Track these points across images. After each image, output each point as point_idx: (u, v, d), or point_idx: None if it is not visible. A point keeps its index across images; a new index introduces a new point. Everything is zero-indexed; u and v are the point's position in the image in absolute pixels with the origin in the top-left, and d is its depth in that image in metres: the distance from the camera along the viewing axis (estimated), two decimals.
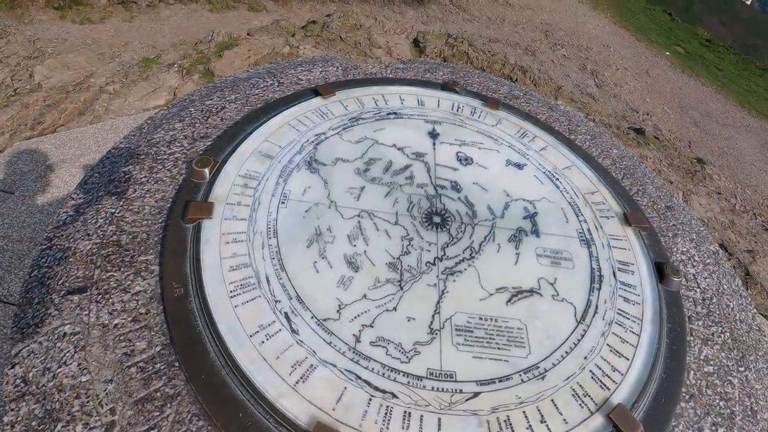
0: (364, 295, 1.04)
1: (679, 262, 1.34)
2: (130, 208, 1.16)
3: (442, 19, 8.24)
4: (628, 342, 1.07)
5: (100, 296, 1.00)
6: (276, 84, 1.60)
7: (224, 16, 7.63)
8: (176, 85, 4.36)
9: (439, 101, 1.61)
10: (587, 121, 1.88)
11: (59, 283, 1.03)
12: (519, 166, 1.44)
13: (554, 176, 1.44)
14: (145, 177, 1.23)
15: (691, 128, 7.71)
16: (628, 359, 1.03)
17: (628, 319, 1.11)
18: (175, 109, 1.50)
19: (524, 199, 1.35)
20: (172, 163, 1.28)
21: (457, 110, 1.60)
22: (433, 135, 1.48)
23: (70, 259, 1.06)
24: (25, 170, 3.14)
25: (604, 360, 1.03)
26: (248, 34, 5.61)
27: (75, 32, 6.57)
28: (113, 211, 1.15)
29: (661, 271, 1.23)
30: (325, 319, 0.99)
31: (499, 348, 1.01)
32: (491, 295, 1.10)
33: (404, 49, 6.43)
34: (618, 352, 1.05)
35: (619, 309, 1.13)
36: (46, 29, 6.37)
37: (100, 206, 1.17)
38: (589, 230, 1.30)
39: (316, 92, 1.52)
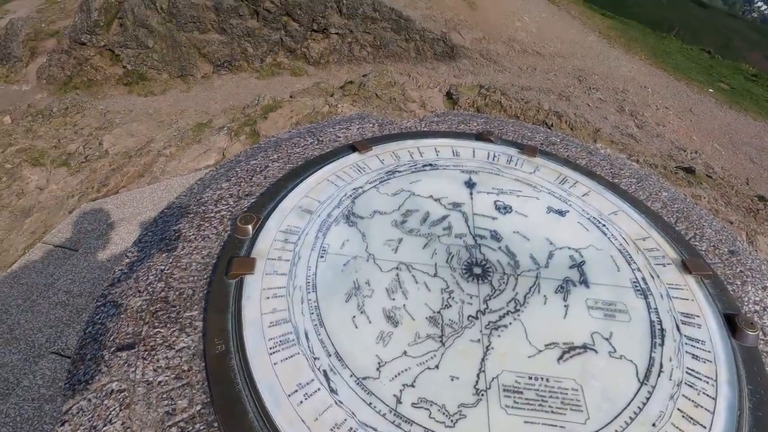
0: (404, 352, 1.00)
1: (752, 313, 1.21)
2: (179, 264, 1.21)
3: (474, 72, 8.49)
4: (702, 407, 0.95)
5: (147, 353, 1.02)
6: (316, 142, 1.67)
7: (269, 82, 8.25)
8: (225, 146, 4.67)
9: (474, 151, 1.62)
10: (630, 164, 1.82)
11: (110, 339, 1.06)
12: (561, 213, 1.40)
13: (600, 222, 1.37)
14: (193, 234, 1.29)
15: (747, 164, 7.27)
16: (705, 427, 0.91)
17: (700, 379, 1.00)
18: (222, 170, 1.59)
19: (569, 247, 1.28)
20: (219, 221, 1.34)
21: (493, 159, 1.59)
22: (470, 185, 1.47)
23: (122, 316, 1.10)
24: (89, 229, 3.40)
25: (676, 428, 0.91)
26: (291, 97, 5.99)
27: (140, 104, 7.30)
28: (163, 267, 1.20)
29: (732, 323, 1.11)
30: (364, 378, 0.95)
31: (552, 412, 0.92)
32: (540, 351, 1.03)
33: (438, 102, 6.63)
34: (692, 418, 0.93)
35: (687, 367, 1.02)
36: (116, 102, 7.12)
37: (151, 263, 1.22)
38: (644, 279, 1.21)
39: (353, 148, 1.58)
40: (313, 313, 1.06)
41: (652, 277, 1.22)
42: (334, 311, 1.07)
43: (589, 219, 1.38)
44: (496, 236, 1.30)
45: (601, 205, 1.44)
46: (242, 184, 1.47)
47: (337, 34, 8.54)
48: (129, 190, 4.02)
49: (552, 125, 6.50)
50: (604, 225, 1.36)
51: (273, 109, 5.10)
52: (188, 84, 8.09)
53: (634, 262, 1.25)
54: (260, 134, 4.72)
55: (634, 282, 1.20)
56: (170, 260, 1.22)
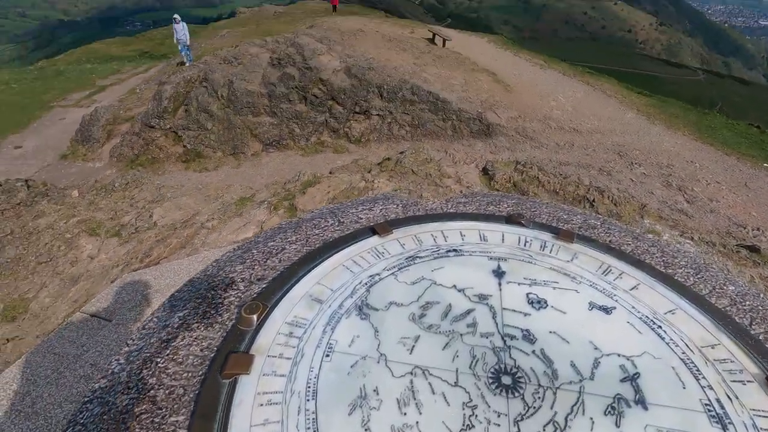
0: None
1: None
2: (175, 357, 1.10)
3: (510, 148, 8.53)
4: None
5: None
6: (336, 223, 1.61)
7: (313, 158, 8.66)
8: (264, 219, 4.77)
9: (503, 236, 1.48)
10: (685, 251, 1.60)
11: None
12: (606, 310, 1.20)
13: (655, 323, 1.16)
14: (197, 323, 1.20)
15: None
16: None
17: None
18: (240, 251, 1.54)
19: (619, 354, 1.07)
20: (225, 308, 1.25)
21: (525, 245, 1.44)
22: (499, 273, 1.31)
23: (105, 417, 0.99)
24: (125, 299, 3.44)
25: None
26: (330, 173, 6.19)
27: (194, 179, 7.80)
28: (158, 360, 1.10)
29: None
30: None
31: None
32: None
33: (473, 178, 6.61)
34: None
35: None
36: (172, 178, 7.65)
37: (148, 354, 1.13)
38: (719, 401, 0.96)
39: (373, 231, 1.49)
40: (309, 428, 0.90)
41: (730, 399, 0.97)
42: (334, 426, 0.91)
43: (641, 319, 1.17)
44: (528, 337, 1.11)
45: (655, 302, 1.23)
46: (256, 267, 1.40)
47: (377, 115, 9.00)
48: (169, 261, 4.12)
49: (594, 201, 6.24)
50: (660, 327, 1.15)
51: (312, 184, 5.25)
52: (239, 161, 8.64)
53: (703, 377, 1.01)
54: (297, 208, 4.81)
55: (706, 405, 0.96)
56: (168, 352, 1.12)
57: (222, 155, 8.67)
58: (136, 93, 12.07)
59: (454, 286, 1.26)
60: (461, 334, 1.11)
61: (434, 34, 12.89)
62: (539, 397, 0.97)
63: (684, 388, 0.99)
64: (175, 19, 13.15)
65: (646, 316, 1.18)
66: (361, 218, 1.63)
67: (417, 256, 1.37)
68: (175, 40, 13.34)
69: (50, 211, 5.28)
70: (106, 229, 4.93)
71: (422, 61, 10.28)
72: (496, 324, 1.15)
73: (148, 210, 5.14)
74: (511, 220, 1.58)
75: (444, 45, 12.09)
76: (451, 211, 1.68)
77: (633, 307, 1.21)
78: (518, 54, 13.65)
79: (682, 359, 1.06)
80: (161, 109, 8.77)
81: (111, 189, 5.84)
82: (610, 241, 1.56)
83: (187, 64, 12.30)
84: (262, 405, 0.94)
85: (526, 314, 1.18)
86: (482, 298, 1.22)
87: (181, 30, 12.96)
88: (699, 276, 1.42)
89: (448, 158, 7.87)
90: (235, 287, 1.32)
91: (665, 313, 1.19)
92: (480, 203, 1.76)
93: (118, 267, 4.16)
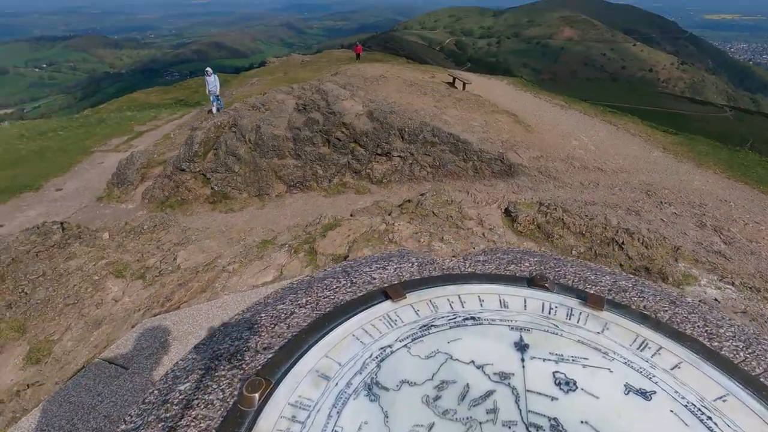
0: None
1: None
2: None
3: (533, 188, 8.39)
4: None
5: None
6: (349, 284, 1.54)
7: (335, 199, 8.73)
8: (284, 263, 4.76)
9: (525, 301, 1.37)
10: (730, 318, 1.44)
11: None
12: (645, 395, 1.06)
13: (703, 413, 1.01)
14: (197, 400, 1.13)
15: None
16: None
17: None
18: (248, 314, 1.48)
19: None
20: (228, 381, 1.17)
21: (549, 312, 1.33)
22: (521, 347, 1.20)
23: None
24: (144, 346, 3.41)
25: None
26: (351, 215, 6.19)
27: (219, 220, 7.95)
28: None
29: None
30: None
31: None
32: None
33: (496, 219, 6.48)
34: None
35: None
36: (199, 219, 7.82)
37: None
38: None
39: (386, 295, 1.41)
40: None
41: None
42: None
43: (686, 407, 1.03)
44: (557, 427, 0.99)
45: (701, 385, 1.08)
46: (263, 333, 1.33)
47: (399, 156, 9.09)
48: (189, 305, 4.11)
49: (623, 243, 5.98)
50: (710, 418, 1.00)
51: (332, 227, 5.24)
52: (263, 202, 8.80)
53: None
54: (317, 252, 4.78)
55: None
56: None
57: (247, 196, 8.86)
58: (170, 138, 12.68)
59: (473, 361, 1.15)
60: (480, 423, 1.00)
61: (454, 78, 13.17)
62: None
63: None
64: (207, 71, 14.00)
65: (692, 404, 1.03)
66: (375, 278, 1.56)
67: (432, 325, 1.27)
68: (207, 91, 14.16)
69: (81, 253, 5.43)
70: (132, 272, 5.01)
71: (442, 104, 10.44)
72: (520, 410, 1.03)
73: (173, 252, 5.22)
74: (533, 282, 1.47)
75: (464, 88, 12.31)
76: (469, 270, 1.59)
77: (676, 392, 1.06)
78: (538, 95, 13.74)
79: None
80: (192, 153, 9.13)
81: (139, 231, 5.99)
82: (644, 306, 1.42)
83: (216, 112, 12.96)
84: None
85: (553, 398, 1.05)
86: (503, 377, 1.11)
87: (212, 82, 13.76)
88: (750, 351, 1.26)
89: (470, 199, 7.79)
90: (240, 357, 1.25)
91: (715, 400, 1.04)
92: (500, 261, 1.66)
93: (140, 311, 4.18)
